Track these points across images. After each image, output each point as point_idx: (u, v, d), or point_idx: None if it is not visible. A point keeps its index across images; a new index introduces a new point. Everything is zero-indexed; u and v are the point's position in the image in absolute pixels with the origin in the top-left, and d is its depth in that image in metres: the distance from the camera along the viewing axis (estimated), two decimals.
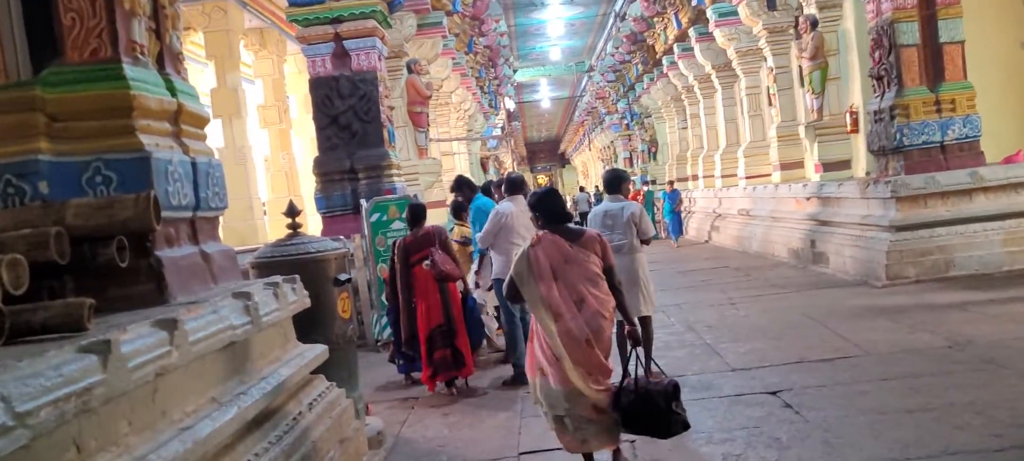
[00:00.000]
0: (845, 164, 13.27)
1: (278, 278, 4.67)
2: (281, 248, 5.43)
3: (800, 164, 15.17)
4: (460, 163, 21.71)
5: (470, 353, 7.18)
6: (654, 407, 4.19)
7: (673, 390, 4.27)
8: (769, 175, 17.04)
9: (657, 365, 4.77)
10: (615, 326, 5.26)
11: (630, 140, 38.10)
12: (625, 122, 37.17)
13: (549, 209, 4.56)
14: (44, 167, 3.62)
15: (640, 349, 4.43)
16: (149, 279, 3.71)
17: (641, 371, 4.34)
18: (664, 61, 23.67)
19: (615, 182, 6.87)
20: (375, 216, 9.38)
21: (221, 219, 12.48)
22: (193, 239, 4.22)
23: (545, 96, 45.18)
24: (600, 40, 31.25)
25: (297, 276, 4.86)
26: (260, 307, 4.08)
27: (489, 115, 30.88)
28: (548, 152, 72.13)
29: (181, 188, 3.96)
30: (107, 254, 3.46)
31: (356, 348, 5.76)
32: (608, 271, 4.39)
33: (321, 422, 4.56)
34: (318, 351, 4.83)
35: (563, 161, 72.07)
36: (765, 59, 16.21)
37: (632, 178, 20.81)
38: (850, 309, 8.58)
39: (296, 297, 4.75)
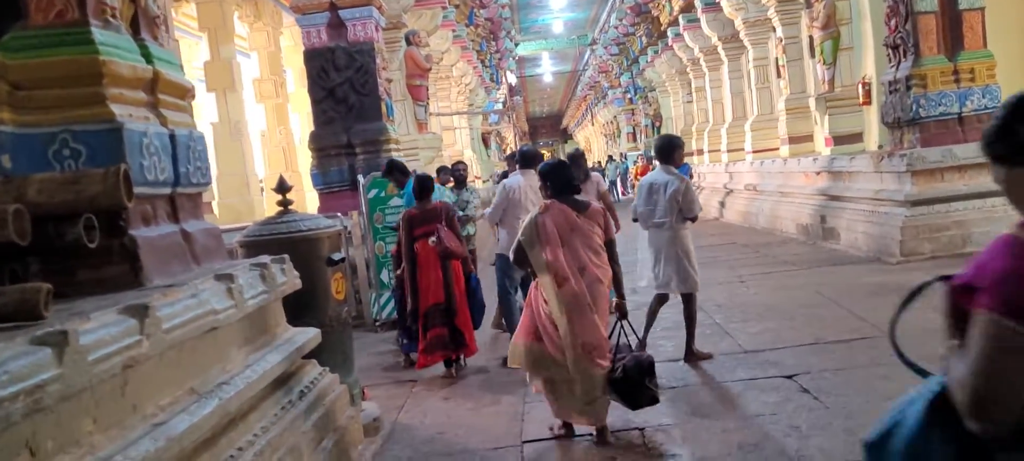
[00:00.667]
0: (857, 137, 12.94)
1: (266, 258, 4.37)
2: (271, 226, 5.14)
3: (809, 138, 14.84)
4: (461, 138, 21.39)
5: (472, 333, 6.93)
6: (628, 379, 4.51)
7: (648, 366, 4.60)
8: (777, 149, 16.69)
9: (635, 334, 5.00)
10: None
11: (633, 114, 37.77)
12: (628, 96, 36.81)
13: (559, 180, 4.74)
14: (6, 139, 3.32)
15: (625, 322, 4.77)
16: (122, 260, 3.42)
17: (626, 341, 4.74)
18: (669, 33, 23.27)
19: (667, 150, 6.44)
20: (373, 192, 9.09)
21: (214, 196, 12.19)
22: (172, 217, 3.93)
23: (547, 70, 44.73)
24: (603, 12, 30.79)
25: (286, 256, 4.57)
26: (245, 290, 3.80)
27: (491, 89, 30.51)
28: (550, 127, 71.69)
29: (158, 162, 3.66)
30: (74, 233, 3.16)
31: (351, 330, 5.48)
32: (609, 244, 4.70)
33: (313, 410, 4.30)
34: (310, 336, 4.55)
35: (565, 136, 71.62)
36: (774, 29, 15.83)
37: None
38: (865, 287, 8.30)
39: (285, 278, 4.46)
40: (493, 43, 27.28)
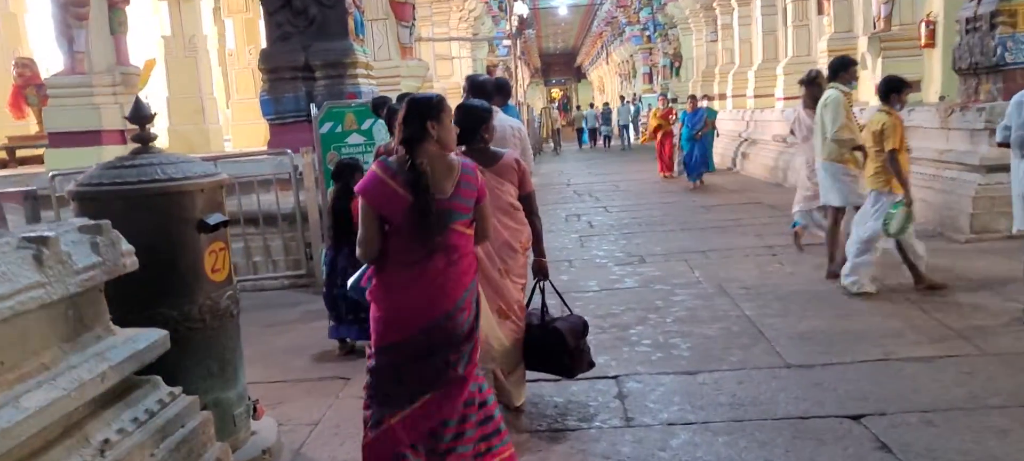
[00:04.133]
0: (915, 85, 11.08)
1: (53, 229, 2.72)
2: (116, 172, 3.46)
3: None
4: (460, 69, 19.54)
5: None
6: (561, 345, 4.08)
7: (583, 328, 4.24)
8: None
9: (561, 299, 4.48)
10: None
11: (651, 54, 35.69)
12: (647, 34, 34.67)
13: (465, 126, 3.76)
14: None
15: (546, 283, 4.22)
16: None
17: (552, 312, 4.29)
18: None
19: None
20: (327, 126, 7.41)
21: (165, 122, 10.48)
22: None
23: (562, 1, 42.39)
24: None
25: (104, 223, 2.91)
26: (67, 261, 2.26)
27: (499, 19, 28.49)
28: (564, 65, 69.34)
29: None
30: None
31: (237, 323, 3.85)
32: (526, 199, 4.13)
33: (154, 452, 2.74)
34: (146, 343, 2.92)
35: (579, 75, 69.34)
36: None
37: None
38: (933, 273, 6.62)
39: (99, 258, 2.81)
40: None
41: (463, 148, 4.01)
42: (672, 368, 4.76)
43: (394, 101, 5.94)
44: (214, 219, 3.57)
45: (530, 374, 4.30)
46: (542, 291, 4.22)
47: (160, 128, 13.23)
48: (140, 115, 3.57)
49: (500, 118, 4.78)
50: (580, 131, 33.26)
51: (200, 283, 3.53)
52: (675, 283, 6.94)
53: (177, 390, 3.07)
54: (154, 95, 12.47)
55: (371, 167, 3.12)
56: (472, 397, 3.17)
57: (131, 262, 2.94)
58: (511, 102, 6.05)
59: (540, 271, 4.19)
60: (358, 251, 3.09)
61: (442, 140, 3.08)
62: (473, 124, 3.95)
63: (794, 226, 7.90)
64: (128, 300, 3.20)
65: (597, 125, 31.66)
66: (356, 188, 3.13)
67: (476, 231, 3.24)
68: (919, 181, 8.99)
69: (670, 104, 17.47)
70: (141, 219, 3.34)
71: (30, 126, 10.55)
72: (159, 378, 3.03)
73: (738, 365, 4.72)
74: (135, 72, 9.20)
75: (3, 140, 10.30)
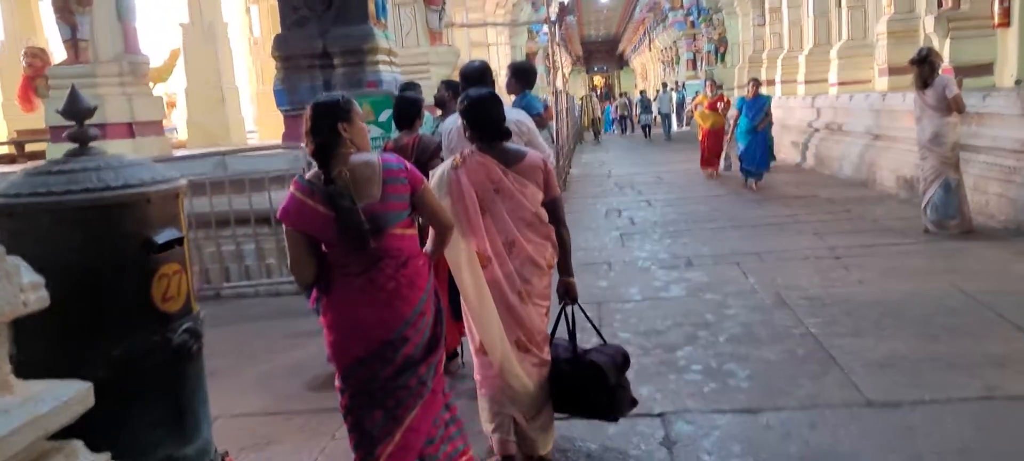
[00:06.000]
0: (986, 69, 10.13)
1: None
2: (41, 179, 2.82)
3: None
4: (498, 57, 18.83)
5: (449, 325, 4.70)
6: (600, 381, 3.39)
7: (624, 360, 3.55)
8: (869, 81, 13.89)
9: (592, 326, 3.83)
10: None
11: (694, 40, 34.65)
12: (690, 19, 33.66)
13: (483, 120, 3.35)
14: None
15: (574, 308, 3.57)
16: None
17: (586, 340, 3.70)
18: None
19: None
20: None
21: (183, 113, 9.90)
22: None
23: None
24: None
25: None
26: None
27: (538, 5, 27.68)
28: (606, 53, 68.21)
29: None
30: None
31: (198, 359, 3.19)
32: (551, 206, 3.43)
33: None
34: (54, 403, 2.25)
35: (621, 63, 68.22)
36: None
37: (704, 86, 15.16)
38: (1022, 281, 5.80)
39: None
40: None
41: (471, 147, 3.39)
42: (729, 404, 4.02)
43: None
44: (166, 236, 2.90)
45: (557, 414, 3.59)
46: (570, 318, 3.53)
47: (178, 120, 12.78)
48: (76, 109, 2.93)
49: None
50: (597, 119, 31.96)
51: (147, 315, 2.87)
52: (727, 292, 6.18)
53: (103, 458, 2.42)
54: (180, 86, 12.00)
55: (290, 188, 2.90)
56: (444, 404, 3.10)
57: (36, 299, 2.27)
58: (531, 91, 5.31)
59: (567, 293, 3.51)
60: (295, 278, 2.95)
61: (356, 142, 2.88)
62: (409, 114, 3.84)
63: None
64: (58, 339, 2.60)
65: (626, 114, 31.37)
66: (277, 214, 2.92)
67: (430, 223, 3.03)
68: (998, 174, 8.17)
69: (719, 90, 14.91)
70: (71, 238, 2.71)
71: (41, 119, 10.07)
72: (79, 444, 2.38)
73: (808, 402, 3.97)
74: (144, 61, 8.66)
75: (13, 133, 9.86)
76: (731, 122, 12.94)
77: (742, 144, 12.26)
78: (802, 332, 5.06)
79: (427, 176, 4.32)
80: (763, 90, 12.95)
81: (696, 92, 23.73)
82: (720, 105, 14.11)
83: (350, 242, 2.81)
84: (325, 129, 2.84)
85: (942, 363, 4.30)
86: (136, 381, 2.83)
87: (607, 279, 7.01)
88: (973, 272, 6.17)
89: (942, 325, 4.95)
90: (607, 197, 12.66)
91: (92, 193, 2.76)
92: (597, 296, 6.34)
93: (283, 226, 2.91)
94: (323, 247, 2.89)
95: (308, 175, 2.90)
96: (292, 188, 2.88)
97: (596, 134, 30.98)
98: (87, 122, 3.04)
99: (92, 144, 2.99)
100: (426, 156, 4.68)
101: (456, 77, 10.56)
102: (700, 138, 14.67)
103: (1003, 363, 4.25)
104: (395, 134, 5.08)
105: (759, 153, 12.14)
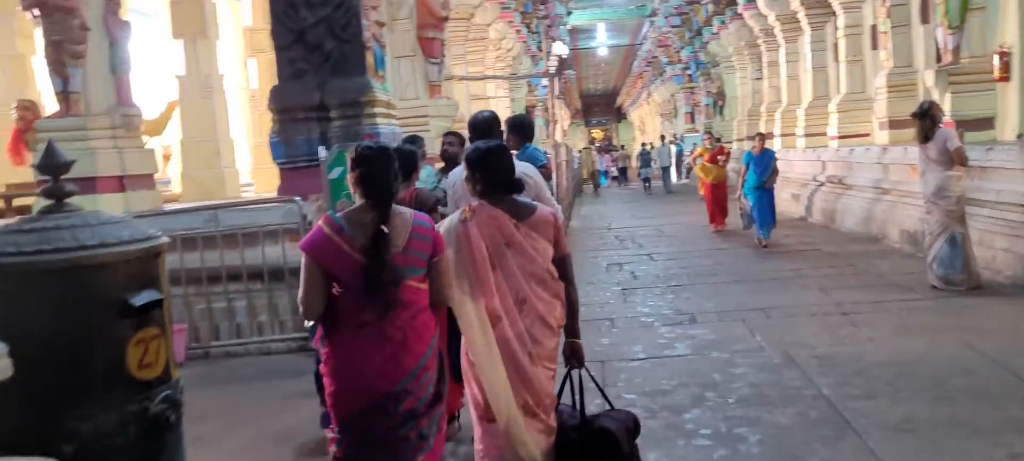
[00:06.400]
0: (987, 123, 10.05)
1: None
2: (10, 238, 2.63)
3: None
4: (498, 110, 18.79)
5: (450, 386, 4.52)
6: (613, 448, 3.22)
7: (635, 426, 3.36)
8: (868, 135, 13.84)
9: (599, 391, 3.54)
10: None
11: (693, 93, 34.84)
12: (688, 73, 33.86)
13: (494, 172, 3.26)
14: None
15: (583, 374, 3.37)
16: None
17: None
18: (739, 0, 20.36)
19: None
20: (336, 170, 6.58)
21: (177, 167, 9.77)
22: None
23: (602, 42, 41.82)
24: None
25: None
26: None
27: (538, 59, 27.85)
28: (604, 106, 68.74)
29: None
30: None
31: (177, 432, 2.99)
32: (561, 263, 3.31)
33: None
34: None
35: (620, 116, 68.65)
36: None
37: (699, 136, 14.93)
38: None
39: None
40: (541, 6, 24.57)
41: (479, 200, 3.26)
42: None
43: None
44: (144, 298, 2.72)
45: None
46: (575, 382, 3.33)
47: (173, 173, 12.66)
48: (52, 163, 2.77)
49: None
50: (595, 172, 32.05)
51: (122, 384, 2.67)
52: (734, 350, 6.00)
53: None
54: (176, 139, 11.91)
55: (318, 222, 3.00)
56: None
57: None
58: (532, 143, 5.19)
59: (574, 355, 3.34)
60: (300, 308, 2.98)
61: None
62: (405, 167, 3.80)
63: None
64: (24, 411, 2.43)
65: (624, 166, 31.70)
66: (300, 244, 2.96)
67: (432, 293, 3.01)
68: (1003, 228, 8.04)
69: (718, 142, 14.81)
70: (41, 301, 2.54)
71: (31, 173, 9.98)
72: None
73: None
74: (137, 114, 8.55)
75: (2, 188, 9.72)
76: (738, 177, 12.38)
77: (751, 201, 11.59)
78: (814, 393, 4.86)
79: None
80: (768, 144, 12.76)
81: (694, 145, 23.68)
82: (721, 158, 13.93)
83: (371, 288, 2.84)
84: (394, 176, 2.99)
85: (963, 429, 4.10)
86: (109, 456, 2.64)
87: (610, 336, 6.82)
88: (985, 330, 5.99)
89: (959, 387, 4.76)
90: (608, 250, 12.51)
91: (65, 253, 2.59)
92: (600, 354, 6.15)
93: (302, 257, 2.95)
94: (335, 288, 2.89)
95: (341, 213, 2.97)
96: (321, 221, 2.97)
97: (595, 187, 30.97)
98: (67, 176, 2.89)
99: (71, 200, 2.83)
100: (426, 209, 4.53)
101: (457, 129, 10.49)
102: (703, 193, 14.39)
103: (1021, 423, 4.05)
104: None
105: (768, 209, 11.53)
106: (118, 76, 8.33)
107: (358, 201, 3.02)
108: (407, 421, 2.90)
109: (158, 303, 2.82)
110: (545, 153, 11.88)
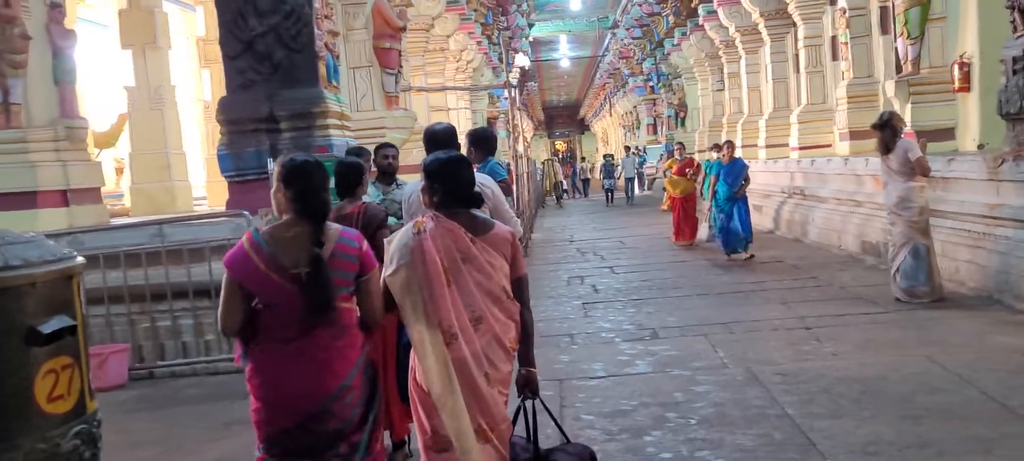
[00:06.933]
0: (947, 133, 10.11)
1: None
2: None
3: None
4: (458, 121, 18.62)
5: (398, 411, 4.37)
6: None
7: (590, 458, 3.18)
8: (829, 146, 13.88)
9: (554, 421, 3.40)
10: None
11: (655, 105, 34.97)
12: (650, 84, 34.00)
13: (453, 183, 3.07)
14: None
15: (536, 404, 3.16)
16: None
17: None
18: (700, 10, 20.43)
19: None
20: None
21: (126, 179, 9.40)
22: None
23: (565, 54, 41.91)
24: None
25: None
26: None
27: (499, 72, 27.71)
28: (567, 117, 68.94)
29: None
30: None
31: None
32: (517, 285, 3.10)
33: None
34: None
35: (582, 127, 68.87)
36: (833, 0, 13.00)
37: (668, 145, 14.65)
38: (1004, 353, 5.54)
39: None
40: (502, 18, 24.46)
41: (433, 212, 3.06)
42: None
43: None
44: (54, 325, 2.48)
45: None
46: (530, 413, 3.13)
47: (126, 187, 12.29)
48: None
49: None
50: (558, 184, 31.85)
51: (30, 419, 2.43)
52: (696, 367, 5.85)
53: None
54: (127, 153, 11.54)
55: (243, 237, 2.85)
56: None
57: None
58: (492, 158, 5.01)
59: (528, 385, 3.10)
60: (218, 323, 2.90)
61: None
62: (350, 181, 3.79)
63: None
64: None
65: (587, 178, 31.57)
66: (224, 259, 2.82)
67: (362, 312, 2.91)
68: (966, 239, 8.00)
69: (688, 154, 14.31)
70: None
71: None
72: None
73: None
74: (82, 126, 8.20)
75: None
76: (708, 188, 12.00)
77: (723, 214, 11.17)
78: (778, 413, 4.71)
79: (375, 248, 3.98)
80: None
81: (660, 154, 23.62)
82: (689, 170, 13.68)
83: (299, 310, 2.76)
84: (327, 190, 2.88)
85: (931, 450, 3.98)
86: None
87: (569, 353, 6.64)
88: (950, 345, 5.90)
89: (925, 405, 4.64)
90: (569, 263, 12.37)
91: None
92: (558, 372, 5.97)
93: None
94: (257, 304, 2.80)
95: (264, 229, 2.84)
96: (244, 238, 2.84)
97: (558, 199, 30.87)
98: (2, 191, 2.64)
99: None
100: (373, 227, 4.33)
101: (413, 140, 10.24)
102: (670, 207, 13.90)
103: (992, 448, 3.94)
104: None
105: (743, 221, 11.04)
106: (62, 87, 7.98)
107: (282, 217, 2.87)
108: (333, 443, 2.83)
109: (71, 329, 2.58)
110: (507, 166, 11.72)
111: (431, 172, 3.08)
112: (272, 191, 2.94)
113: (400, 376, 4.31)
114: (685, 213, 13.31)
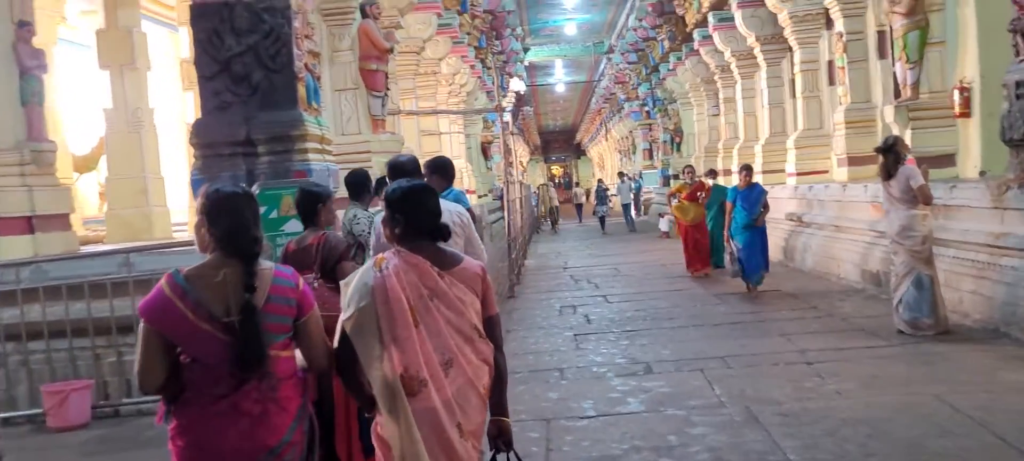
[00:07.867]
0: (948, 159, 9.83)
1: None
2: None
3: (875, 158, 11.60)
4: (451, 146, 18.35)
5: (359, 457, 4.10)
6: None
7: None
8: (826, 171, 13.59)
9: None
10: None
11: (651, 129, 34.74)
12: (646, 109, 33.77)
13: (417, 214, 2.76)
14: None
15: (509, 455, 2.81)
16: None
17: None
18: (696, 35, 20.16)
19: None
20: (260, 210, 6.06)
21: (105, 203, 9.04)
22: None
23: (560, 79, 41.82)
24: (622, 15, 27.82)
25: None
26: None
27: (494, 96, 27.48)
28: (563, 142, 68.79)
29: None
30: None
31: None
32: (489, 324, 2.79)
33: None
34: None
35: (578, 152, 68.73)
36: (829, 25, 12.76)
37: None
38: (1021, 395, 5.22)
39: None
40: (496, 41, 24.25)
41: (393, 247, 2.78)
42: None
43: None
44: None
45: None
46: None
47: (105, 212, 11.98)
48: None
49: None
50: (554, 209, 31.85)
51: None
52: (692, 406, 5.52)
53: None
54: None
55: (162, 281, 2.49)
56: None
57: None
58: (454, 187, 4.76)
59: (501, 436, 2.80)
60: (136, 380, 2.55)
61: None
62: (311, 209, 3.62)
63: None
64: None
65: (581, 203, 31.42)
66: (139, 307, 2.49)
67: (305, 358, 2.63)
68: (970, 269, 7.71)
69: (701, 177, 13.40)
70: None
71: None
72: None
73: None
74: (50, 149, 7.90)
75: None
76: (720, 217, 11.30)
77: (739, 242, 10.29)
78: (779, 459, 4.38)
79: (335, 280, 3.67)
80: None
81: (657, 179, 23.28)
82: (701, 194, 12.75)
83: (229, 363, 2.45)
84: (257, 223, 2.59)
85: None
86: None
87: (558, 389, 6.30)
88: (959, 382, 5.58)
89: (937, 451, 4.33)
90: (562, 291, 12.04)
91: None
92: (545, 411, 5.64)
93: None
94: (181, 356, 2.49)
95: (186, 271, 2.50)
96: (163, 280, 2.49)
97: (553, 224, 30.57)
98: None
99: None
100: (334, 259, 4.04)
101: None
102: (680, 233, 13.08)
103: None
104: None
105: (760, 251, 10.30)
106: (29, 108, 7.70)
107: (207, 255, 2.57)
108: None
109: None
110: (499, 192, 11.30)
111: (392, 202, 2.79)
112: (195, 225, 2.63)
113: (363, 423, 4.03)
114: (695, 242, 12.45)
